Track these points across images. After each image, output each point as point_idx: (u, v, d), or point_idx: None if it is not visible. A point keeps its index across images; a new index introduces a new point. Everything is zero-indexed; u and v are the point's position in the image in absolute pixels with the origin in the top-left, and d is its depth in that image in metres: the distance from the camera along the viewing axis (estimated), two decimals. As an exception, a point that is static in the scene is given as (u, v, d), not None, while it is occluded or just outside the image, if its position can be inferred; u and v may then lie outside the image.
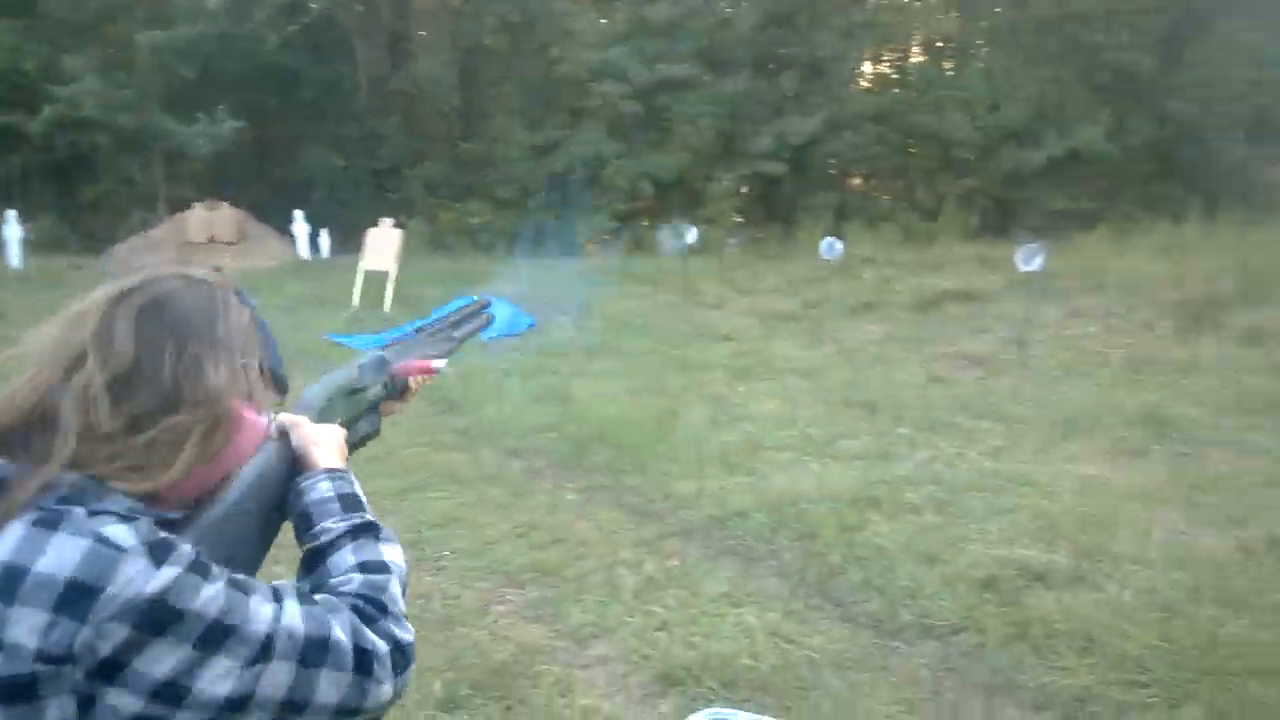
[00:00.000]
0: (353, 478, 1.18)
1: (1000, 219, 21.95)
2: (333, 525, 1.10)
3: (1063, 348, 9.51)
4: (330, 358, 9.19)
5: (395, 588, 1.08)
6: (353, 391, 1.39)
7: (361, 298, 12.28)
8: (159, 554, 0.86)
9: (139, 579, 0.84)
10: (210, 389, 0.98)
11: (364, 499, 1.16)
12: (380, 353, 1.47)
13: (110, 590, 0.83)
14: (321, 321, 11.00)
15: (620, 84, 21.64)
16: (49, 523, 0.86)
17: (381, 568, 1.09)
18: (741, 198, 22.79)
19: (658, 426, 6.41)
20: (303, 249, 18.30)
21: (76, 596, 0.83)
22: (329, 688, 0.94)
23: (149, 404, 0.95)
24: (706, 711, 1.99)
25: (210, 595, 0.87)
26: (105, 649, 0.83)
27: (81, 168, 19.72)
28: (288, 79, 23.62)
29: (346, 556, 1.08)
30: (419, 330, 1.59)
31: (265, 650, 0.89)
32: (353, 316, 11.44)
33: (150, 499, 0.95)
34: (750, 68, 22.69)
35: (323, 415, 1.28)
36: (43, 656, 0.83)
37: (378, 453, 6.09)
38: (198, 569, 0.88)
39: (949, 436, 6.40)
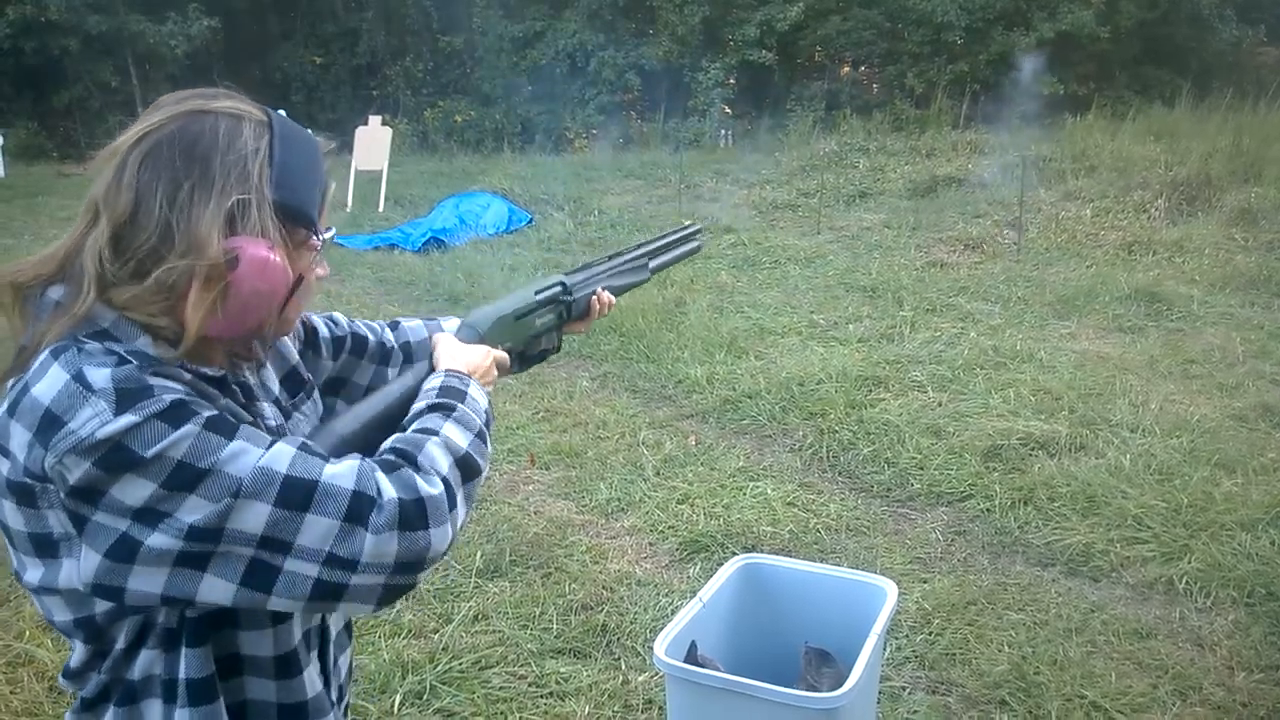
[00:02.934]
0: (472, 382, 1.23)
1: (991, 104, 21.68)
2: (418, 405, 1.13)
3: (1057, 231, 9.57)
4: (329, 257, 9.19)
5: (436, 450, 1.04)
6: (521, 316, 1.46)
7: (355, 198, 12.19)
8: (125, 401, 0.89)
9: (93, 422, 0.87)
10: (197, 232, 0.94)
11: (478, 401, 1.20)
12: (561, 278, 1.53)
13: (70, 426, 0.88)
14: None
15: (603, -29, 21.00)
16: (56, 352, 0.92)
17: (430, 431, 1.07)
18: (730, 88, 22.37)
19: (665, 316, 6.51)
20: (289, 151, 17.99)
21: (46, 425, 0.89)
22: (313, 532, 0.92)
23: (145, 250, 0.95)
24: (738, 559, 2.14)
25: (175, 439, 0.89)
26: (72, 478, 0.88)
27: (52, 73, 19.15)
28: (260, -28, 22.82)
29: (410, 424, 1.09)
30: (615, 257, 1.64)
31: (236, 490, 0.90)
32: (349, 219, 11.37)
33: (191, 353, 0.97)
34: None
35: (489, 336, 1.38)
36: (28, 472, 0.90)
37: None
38: (166, 417, 0.89)
39: (949, 318, 6.53)
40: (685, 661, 1.78)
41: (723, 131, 21.41)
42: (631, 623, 2.97)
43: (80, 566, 0.92)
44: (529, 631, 2.90)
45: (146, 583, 0.91)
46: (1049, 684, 2.64)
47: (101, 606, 0.97)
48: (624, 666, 2.75)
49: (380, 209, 12.01)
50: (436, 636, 2.86)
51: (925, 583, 3.26)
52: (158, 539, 0.89)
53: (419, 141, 20.47)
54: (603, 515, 3.79)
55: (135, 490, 0.88)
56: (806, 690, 1.85)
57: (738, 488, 3.99)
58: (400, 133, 18.47)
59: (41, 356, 0.93)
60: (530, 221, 10.63)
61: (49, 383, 0.90)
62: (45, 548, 0.95)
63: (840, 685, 1.86)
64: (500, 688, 2.64)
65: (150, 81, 20.59)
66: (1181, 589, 3.17)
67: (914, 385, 5.16)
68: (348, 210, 11.90)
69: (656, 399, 5.24)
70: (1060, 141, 13.74)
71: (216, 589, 0.92)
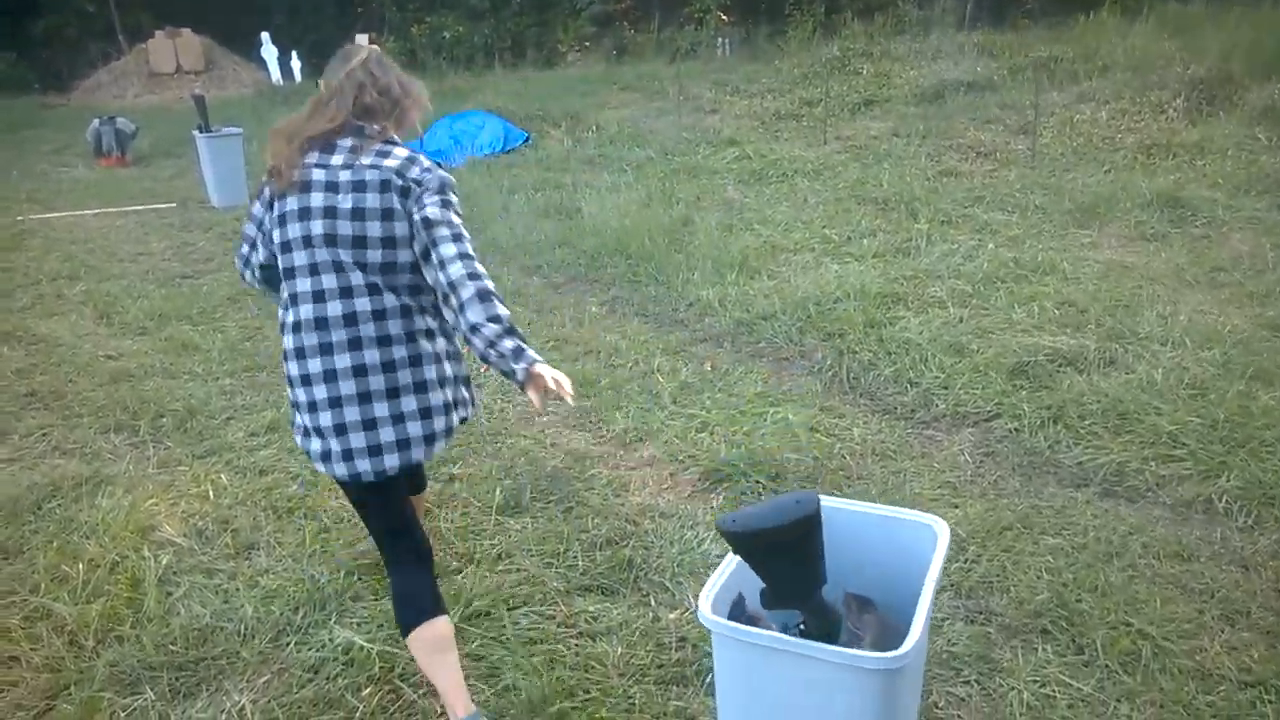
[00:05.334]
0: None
1: (996, 4, 20.98)
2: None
3: (1072, 134, 9.28)
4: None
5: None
6: None
7: (345, 121, 11.86)
8: (433, 163, 2.15)
9: (435, 168, 2.13)
10: (410, 95, 2.21)
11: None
12: None
13: (423, 161, 2.10)
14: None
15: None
16: (389, 143, 2.11)
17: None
18: (727, -3, 21.65)
19: (672, 236, 6.32)
20: (274, 73, 17.49)
21: (412, 161, 2.07)
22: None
23: (391, 98, 2.16)
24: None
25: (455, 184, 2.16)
26: (417, 185, 2.06)
27: (28, 2, 18.56)
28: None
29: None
30: None
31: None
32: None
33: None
34: None
35: None
36: (396, 187, 2.03)
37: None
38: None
39: (965, 229, 6.34)
40: (732, 618, 1.68)
41: (720, 40, 20.77)
42: (658, 557, 2.88)
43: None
44: (554, 569, 2.82)
45: None
46: (1091, 611, 2.56)
47: None
48: (653, 603, 2.67)
49: (373, 131, 11.69)
50: (460, 578, 2.78)
51: (957, 508, 3.17)
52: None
53: (407, 60, 19.87)
54: (621, 446, 3.69)
55: (433, 200, 2.05)
56: (849, 639, 1.76)
57: (758, 413, 3.88)
58: (388, 51, 17.89)
59: (376, 147, 2.08)
60: (527, 140, 10.33)
61: (401, 151, 2.09)
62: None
63: (882, 632, 1.78)
64: (529, 628, 2.57)
65: (126, 7, 19.94)
66: (1221, 508, 3.07)
67: (934, 301, 5.01)
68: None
69: (668, 323, 5.10)
70: (1070, 41, 13.28)
71: None
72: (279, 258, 2.05)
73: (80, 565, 2.77)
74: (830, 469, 3.43)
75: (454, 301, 1.98)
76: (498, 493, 3.24)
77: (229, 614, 2.61)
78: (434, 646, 2.07)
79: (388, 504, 2.16)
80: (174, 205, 8.35)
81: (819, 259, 5.86)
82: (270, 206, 2.08)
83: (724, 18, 21.94)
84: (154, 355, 4.71)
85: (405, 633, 2.09)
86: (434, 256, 2.00)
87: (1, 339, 4.91)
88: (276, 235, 2.05)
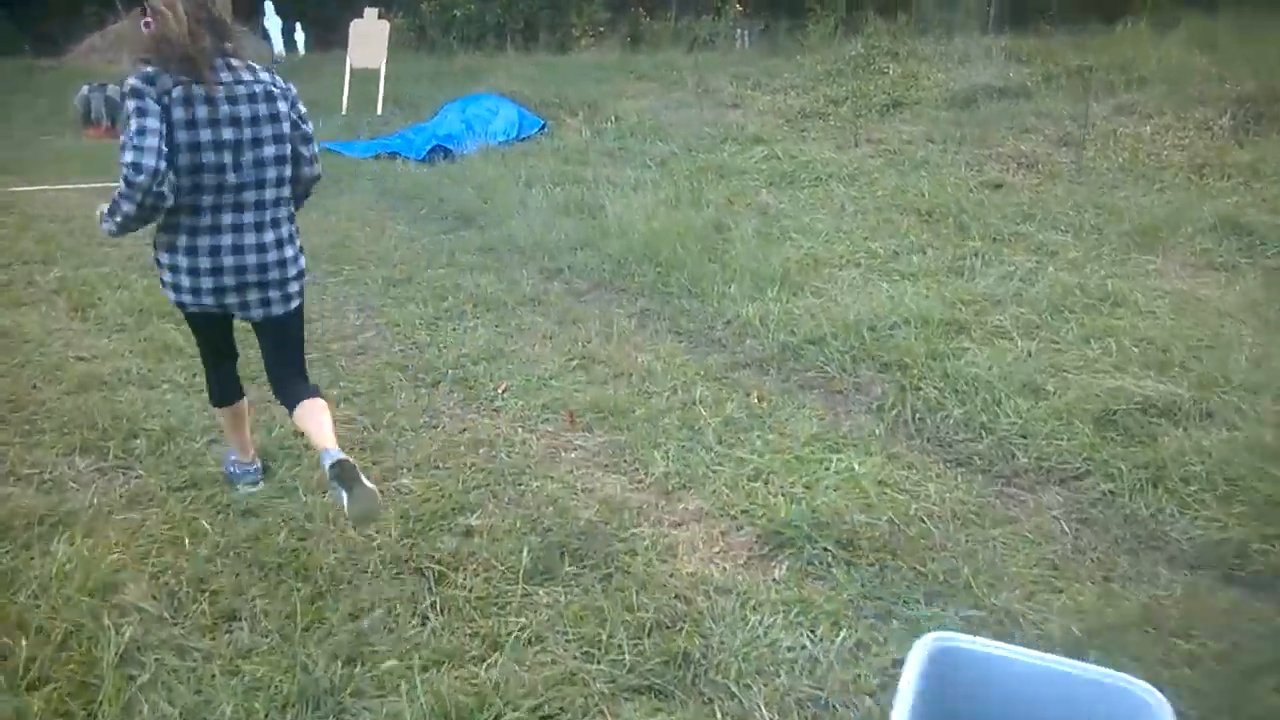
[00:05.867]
0: None
1: (1019, 7, 20.49)
2: None
3: (1116, 149, 8.81)
4: (326, 166, 8.43)
5: None
6: None
7: (350, 99, 11.31)
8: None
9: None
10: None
11: None
12: None
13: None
14: (316, 130, 10.10)
15: None
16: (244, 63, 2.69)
17: None
18: (747, -15, 21.07)
19: (705, 242, 5.84)
20: (278, 45, 16.90)
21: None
22: None
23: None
24: (926, 640, 1.58)
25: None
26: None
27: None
28: None
29: None
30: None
31: None
32: (343, 122, 10.53)
33: None
34: None
35: None
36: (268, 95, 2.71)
37: (394, 276, 5.54)
38: None
39: (1020, 249, 5.87)
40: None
41: (738, 32, 20.24)
42: (719, 648, 2.41)
43: None
44: (596, 663, 2.35)
45: None
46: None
47: None
48: (719, 714, 2.21)
49: (379, 110, 11.16)
50: (484, 670, 2.30)
51: (1062, 593, 2.71)
52: None
53: (415, 37, 19.32)
54: (662, 494, 3.21)
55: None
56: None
57: (817, 460, 3.40)
58: (396, 28, 17.34)
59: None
60: (543, 128, 9.82)
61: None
62: None
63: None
64: (569, 747, 2.10)
65: (127, -33, 19.29)
66: (1375, 608, 2.62)
67: (998, 331, 4.54)
68: (343, 112, 11.04)
69: (705, 342, 4.63)
70: (1101, 50, 12.81)
71: None
72: None
73: (24, 638, 2.28)
74: (908, 535, 2.96)
75: None
76: (524, 554, 2.76)
77: (203, 712, 2.13)
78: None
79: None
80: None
81: (866, 275, 5.38)
82: None
83: (741, 8, 21.38)
84: (131, 358, 4.21)
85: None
86: None
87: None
88: None
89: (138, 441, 3.40)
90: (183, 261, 2.65)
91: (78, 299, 4.80)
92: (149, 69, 2.53)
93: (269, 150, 2.65)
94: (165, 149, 2.47)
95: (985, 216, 6.46)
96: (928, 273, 5.40)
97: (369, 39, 11.51)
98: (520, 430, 3.68)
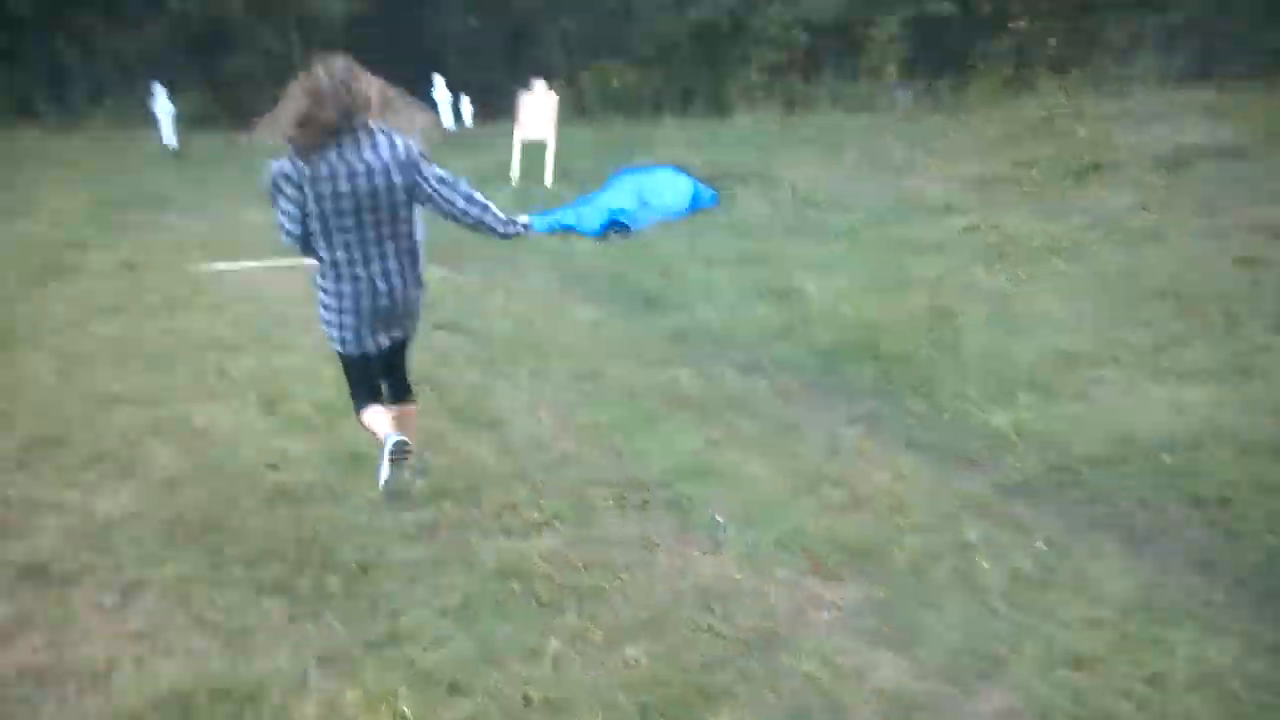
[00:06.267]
0: None
1: (1204, 59, 19.00)
2: None
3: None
4: (501, 243, 8.21)
5: None
6: None
7: (520, 171, 11.24)
8: None
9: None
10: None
11: None
12: None
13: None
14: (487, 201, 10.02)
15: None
16: (384, 130, 3.15)
17: None
18: (906, 44, 20.36)
19: (927, 331, 5.19)
20: (446, 117, 17.31)
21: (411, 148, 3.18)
22: None
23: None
24: None
25: None
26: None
27: (220, 40, 19.13)
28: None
29: None
30: None
31: None
32: (513, 195, 10.41)
33: None
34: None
35: None
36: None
37: (581, 370, 5.11)
38: None
39: (1311, 344, 4.94)
40: None
41: (899, 93, 19.51)
42: None
43: None
44: None
45: None
46: None
47: None
48: None
49: (547, 183, 11.03)
50: None
51: None
52: None
53: (573, 107, 19.49)
54: (952, 682, 2.55)
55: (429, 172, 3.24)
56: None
57: (1151, 640, 2.66)
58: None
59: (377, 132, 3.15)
60: (716, 200, 9.39)
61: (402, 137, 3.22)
62: None
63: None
64: None
65: (309, 46, 20.37)
66: None
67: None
68: (513, 185, 10.95)
69: (950, 459, 3.95)
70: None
71: None
72: None
73: None
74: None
75: None
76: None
77: None
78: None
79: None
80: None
81: (1130, 376, 4.59)
82: None
83: (891, 70, 20.61)
84: (321, 464, 3.89)
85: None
86: None
87: (152, 430, 4.20)
88: None
89: (331, 579, 3.00)
90: (332, 305, 3.31)
91: (268, 392, 4.57)
92: (292, 147, 3.09)
93: (391, 210, 3.17)
94: (300, 220, 3.14)
95: (1257, 301, 5.54)
96: (1207, 373, 4.56)
97: (538, 111, 11.46)
98: (753, 576, 3.10)
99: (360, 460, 3.92)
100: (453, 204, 3.29)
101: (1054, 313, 5.60)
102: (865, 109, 18.27)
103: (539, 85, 11.59)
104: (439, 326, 5.84)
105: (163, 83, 15.81)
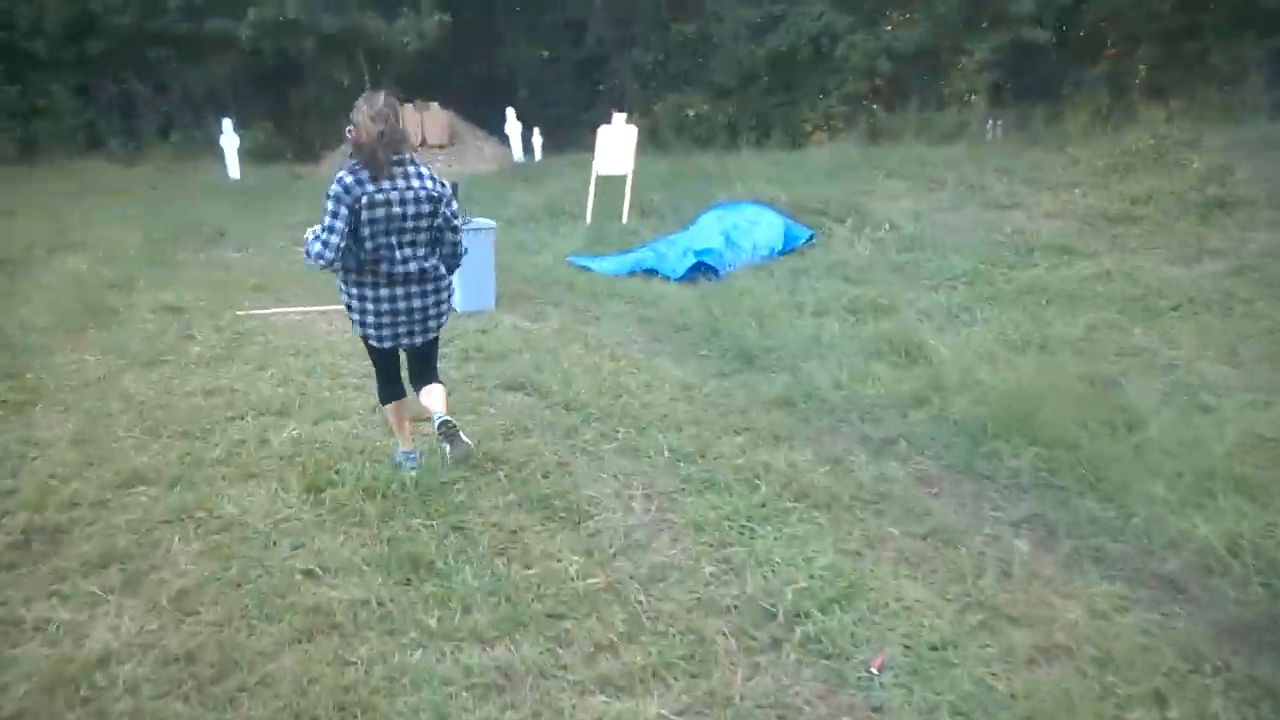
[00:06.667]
0: None
1: (1321, 87, 17.69)
2: None
3: None
4: (578, 286, 7.56)
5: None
6: None
7: (594, 208, 10.58)
8: None
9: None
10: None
11: None
12: None
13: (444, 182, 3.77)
14: (560, 240, 9.38)
15: (854, -58, 18.57)
16: (414, 162, 3.66)
17: None
18: (995, 72, 19.37)
19: (1086, 405, 4.31)
20: (516, 150, 16.84)
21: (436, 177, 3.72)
22: None
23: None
24: None
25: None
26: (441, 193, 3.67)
27: (289, 73, 18.97)
28: (488, -38, 21.95)
29: None
30: None
31: None
32: (590, 232, 9.75)
33: None
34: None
35: None
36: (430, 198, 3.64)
37: (680, 446, 4.30)
38: None
39: None
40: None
41: (989, 122, 18.53)
42: None
43: None
44: None
45: None
46: None
47: None
48: None
49: (624, 219, 10.36)
50: None
51: None
52: None
53: (648, 138, 18.91)
54: None
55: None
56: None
57: None
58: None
59: (412, 169, 3.63)
60: (812, 239, 8.59)
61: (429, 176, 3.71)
62: None
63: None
64: None
65: (381, 80, 20.15)
66: None
67: None
68: (588, 222, 10.29)
69: (1153, 583, 3.09)
70: None
71: None
72: None
73: None
74: None
75: None
76: None
77: None
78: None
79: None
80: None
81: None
82: None
83: (972, 97, 19.60)
84: (369, 573, 3.17)
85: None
86: None
87: (173, 520, 3.54)
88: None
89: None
90: (370, 309, 3.70)
91: (312, 473, 3.89)
92: (349, 167, 3.53)
93: (422, 235, 3.64)
94: (343, 239, 3.50)
95: None
96: None
97: (616, 145, 10.82)
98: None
99: (418, 566, 3.21)
100: (443, 244, 3.78)
101: (1231, 382, 4.68)
102: (953, 139, 17.34)
103: (618, 118, 10.96)
104: (511, 387, 5.15)
105: (230, 116, 15.62)
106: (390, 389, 3.96)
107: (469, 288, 6.83)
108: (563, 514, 3.64)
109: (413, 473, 3.89)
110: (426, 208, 3.59)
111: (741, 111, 19.60)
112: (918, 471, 4.02)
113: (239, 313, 6.84)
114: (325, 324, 6.61)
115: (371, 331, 3.74)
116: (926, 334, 5.51)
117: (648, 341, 6.05)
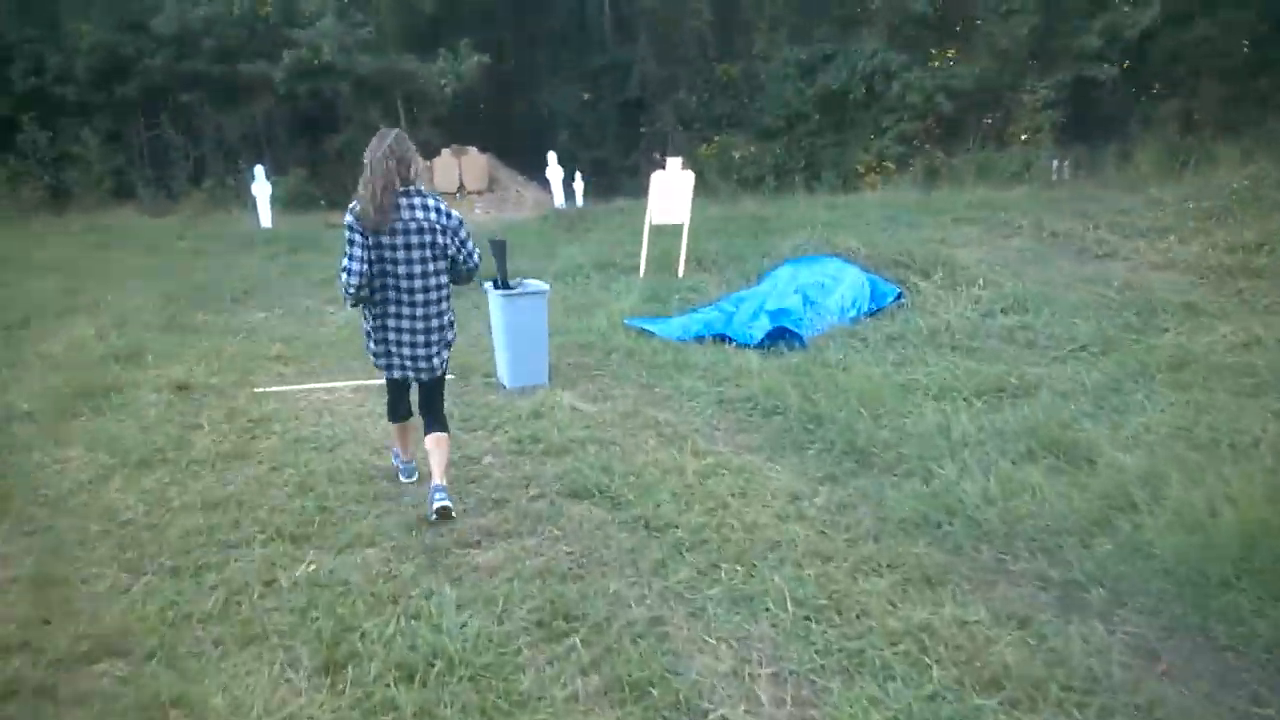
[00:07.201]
0: None
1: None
2: None
3: None
4: (641, 354, 6.63)
5: None
6: None
7: (648, 259, 9.69)
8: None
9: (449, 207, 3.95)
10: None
11: None
12: None
13: (446, 207, 3.93)
14: (614, 298, 8.46)
15: (911, -21, 17.77)
16: (421, 194, 3.86)
17: None
18: (1059, 109, 18.37)
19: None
20: (558, 196, 16.08)
21: (442, 207, 3.91)
22: None
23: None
24: None
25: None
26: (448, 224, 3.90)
27: (324, 117, 18.46)
28: (530, 6, 21.41)
29: None
30: None
31: None
32: (645, 289, 8.83)
33: None
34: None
35: None
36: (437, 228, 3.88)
37: (807, 596, 3.12)
38: None
39: None
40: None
41: (1054, 162, 17.51)
42: None
43: None
44: None
45: None
46: None
47: None
48: None
49: (680, 273, 9.45)
50: None
51: None
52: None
53: (694, 183, 18.10)
54: None
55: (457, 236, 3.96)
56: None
57: None
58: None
59: (421, 199, 3.87)
60: (900, 298, 7.60)
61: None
62: None
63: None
64: None
65: (417, 123, 19.59)
66: None
67: None
68: (641, 277, 9.39)
69: None
70: None
71: None
72: None
73: None
74: None
75: None
76: None
77: None
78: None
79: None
80: (452, 377, 6.20)
81: None
82: None
83: (1023, 136, 18.58)
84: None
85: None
86: None
87: (141, 718, 2.61)
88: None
89: None
90: (375, 336, 3.99)
91: (330, 642, 2.96)
92: (355, 206, 3.79)
93: (430, 265, 3.87)
94: (364, 264, 3.78)
95: None
96: None
97: (672, 192, 9.94)
98: None
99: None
100: (458, 265, 3.96)
101: None
102: (1017, 180, 16.36)
103: (673, 163, 10.09)
104: (576, 494, 4.21)
105: (260, 163, 15.01)
106: (396, 411, 4.26)
107: (519, 360, 5.93)
108: (665, 712, 2.66)
109: (410, 480, 4.33)
110: (429, 238, 3.79)
111: (790, 153, 18.76)
112: (1131, 638, 2.99)
113: (257, 390, 5.98)
114: (354, 403, 5.73)
115: (380, 361, 4.02)
116: (1082, 425, 4.50)
117: (733, 430, 5.08)
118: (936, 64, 17.97)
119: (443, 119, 19.23)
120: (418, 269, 3.79)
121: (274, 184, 15.21)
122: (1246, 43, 18.05)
